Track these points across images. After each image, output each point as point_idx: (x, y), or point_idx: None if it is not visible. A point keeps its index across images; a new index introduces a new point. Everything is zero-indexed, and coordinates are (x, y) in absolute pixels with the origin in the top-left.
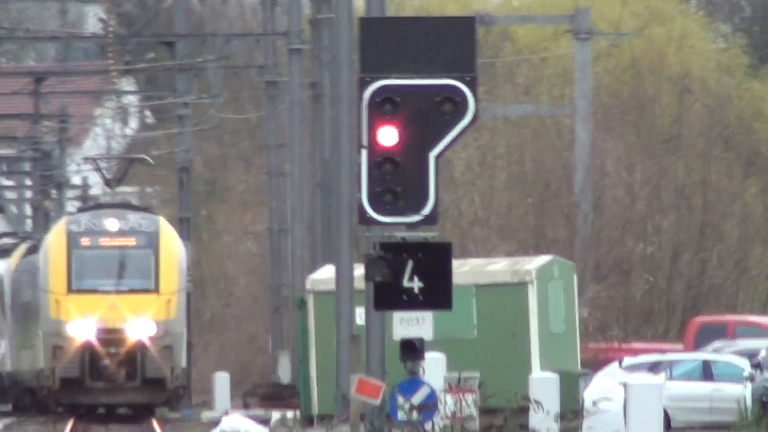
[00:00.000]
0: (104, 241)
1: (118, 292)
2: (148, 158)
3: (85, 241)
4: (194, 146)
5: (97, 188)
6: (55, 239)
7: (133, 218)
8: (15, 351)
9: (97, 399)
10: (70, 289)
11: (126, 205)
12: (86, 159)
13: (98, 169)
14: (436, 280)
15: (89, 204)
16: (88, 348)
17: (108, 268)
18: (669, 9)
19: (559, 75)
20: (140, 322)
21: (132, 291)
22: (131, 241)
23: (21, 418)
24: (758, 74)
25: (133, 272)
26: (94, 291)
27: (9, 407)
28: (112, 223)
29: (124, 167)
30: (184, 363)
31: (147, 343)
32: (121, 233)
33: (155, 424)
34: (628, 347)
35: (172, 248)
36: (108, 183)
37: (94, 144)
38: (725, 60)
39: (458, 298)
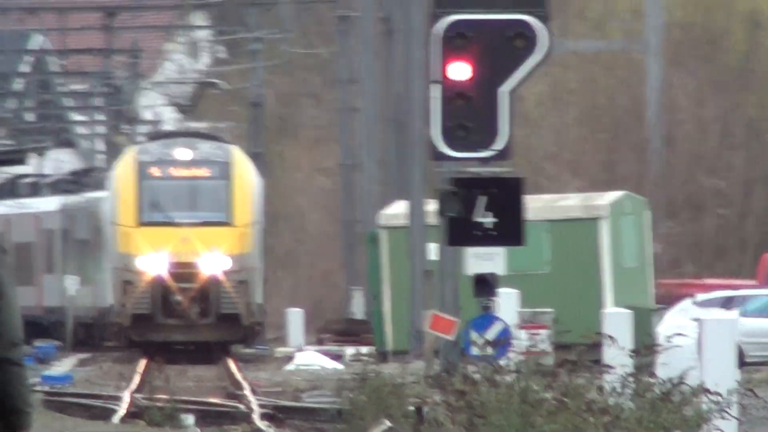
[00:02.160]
0: (175, 171)
1: (191, 224)
2: (219, 82)
3: (155, 171)
4: (265, 82)
5: (169, 124)
6: (123, 170)
7: (206, 147)
8: (84, 287)
9: (170, 336)
10: (139, 222)
11: (198, 134)
12: (155, 84)
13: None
14: (508, 215)
15: (159, 133)
16: (159, 283)
17: (179, 199)
18: None
19: (630, 10)
20: (214, 256)
21: (205, 223)
22: (204, 172)
23: (96, 354)
24: None
25: (205, 204)
26: (165, 223)
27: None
28: (183, 153)
29: (196, 93)
30: (260, 298)
31: (221, 277)
32: (193, 163)
33: (231, 362)
34: (700, 283)
35: (246, 179)
36: (180, 108)
37: (164, 84)
38: None
39: (531, 233)
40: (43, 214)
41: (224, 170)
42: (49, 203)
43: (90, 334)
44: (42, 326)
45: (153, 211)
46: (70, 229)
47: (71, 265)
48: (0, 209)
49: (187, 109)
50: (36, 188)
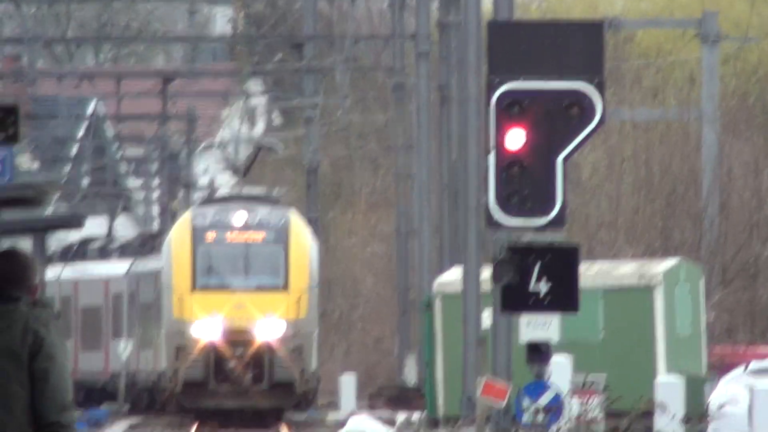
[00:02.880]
0: (231, 236)
1: (246, 289)
2: (276, 142)
3: (210, 235)
4: (321, 148)
5: (224, 189)
6: (179, 233)
7: (262, 211)
8: (135, 351)
9: (222, 403)
10: (194, 287)
11: (254, 198)
12: (210, 146)
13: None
14: (562, 282)
15: (215, 196)
16: (212, 349)
17: (235, 264)
18: None
19: (686, 78)
20: (269, 322)
21: (260, 289)
22: (260, 236)
23: (148, 417)
24: None
25: (261, 268)
26: (219, 289)
27: (126, 407)
28: (239, 217)
29: (252, 156)
30: (314, 365)
31: (275, 344)
32: (249, 227)
33: (284, 428)
34: (754, 351)
35: (303, 243)
36: (236, 170)
37: (221, 146)
38: None
39: (585, 301)
40: (111, 278)
41: (280, 234)
42: (116, 267)
43: (150, 399)
44: (107, 391)
45: (208, 277)
46: (136, 294)
47: (136, 330)
48: (69, 273)
49: (242, 172)
50: (104, 252)
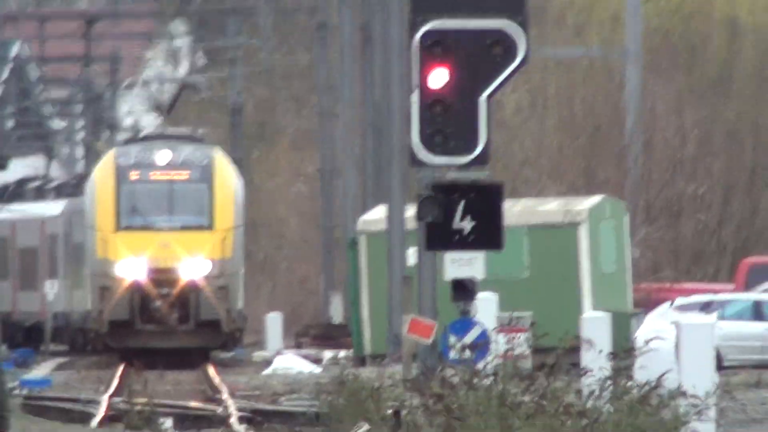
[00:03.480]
0: (155, 175)
1: (170, 229)
2: (201, 80)
3: (134, 174)
4: (245, 89)
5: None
6: (102, 173)
7: (186, 150)
8: (67, 292)
9: (148, 342)
10: (118, 227)
11: (178, 136)
12: (134, 85)
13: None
14: (487, 220)
15: (139, 135)
16: (137, 289)
17: (159, 203)
18: None
19: (609, 17)
20: (194, 261)
21: (185, 228)
22: (184, 174)
23: (74, 358)
24: None
25: (186, 208)
26: (144, 228)
27: (66, 347)
28: (163, 155)
29: (176, 94)
30: (240, 304)
31: (201, 283)
32: (173, 166)
33: (211, 369)
34: (679, 288)
35: (228, 182)
36: (160, 109)
37: (145, 85)
38: None
39: (509, 238)
40: (47, 219)
41: (205, 173)
42: (52, 208)
43: (75, 339)
44: (42, 331)
45: (132, 216)
46: (70, 234)
47: (69, 270)
48: (6, 214)
49: (166, 111)
50: (41, 192)
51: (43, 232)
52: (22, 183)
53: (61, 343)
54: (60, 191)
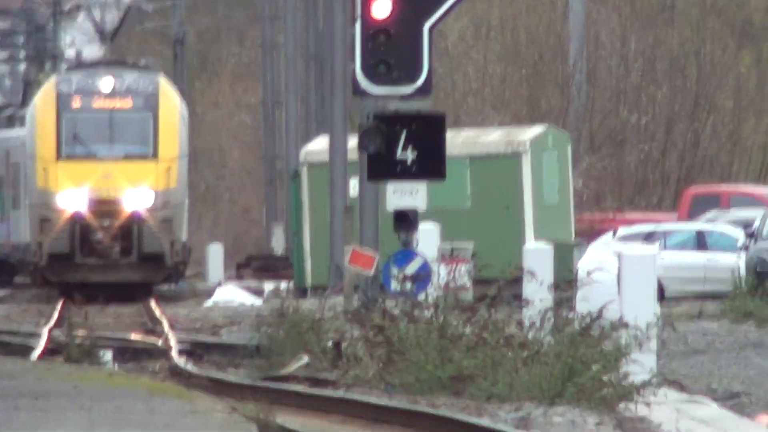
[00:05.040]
0: (97, 102)
1: (113, 158)
2: (144, 2)
3: (75, 102)
4: (187, 19)
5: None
6: (42, 101)
7: (130, 77)
8: (6, 224)
9: (89, 276)
10: (59, 156)
11: (122, 62)
12: (74, 7)
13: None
14: (429, 150)
15: (81, 62)
16: (78, 220)
17: (101, 132)
18: None
19: None
20: (137, 192)
21: (128, 157)
22: (128, 102)
23: (15, 291)
24: None
25: (129, 137)
26: (85, 157)
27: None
28: (106, 83)
29: (120, 18)
30: (184, 236)
31: (144, 214)
32: (117, 93)
33: (154, 304)
34: (622, 217)
35: (173, 110)
36: (104, 36)
37: (88, 16)
38: None
39: (452, 169)
40: (11, 147)
41: (149, 101)
42: (17, 135)
43: (6, 272)
44: (9, 263)
45: (73, 145)
46: (6, 163)
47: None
48: None
49: (109, 38)
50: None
51: (7, 160)
52: None
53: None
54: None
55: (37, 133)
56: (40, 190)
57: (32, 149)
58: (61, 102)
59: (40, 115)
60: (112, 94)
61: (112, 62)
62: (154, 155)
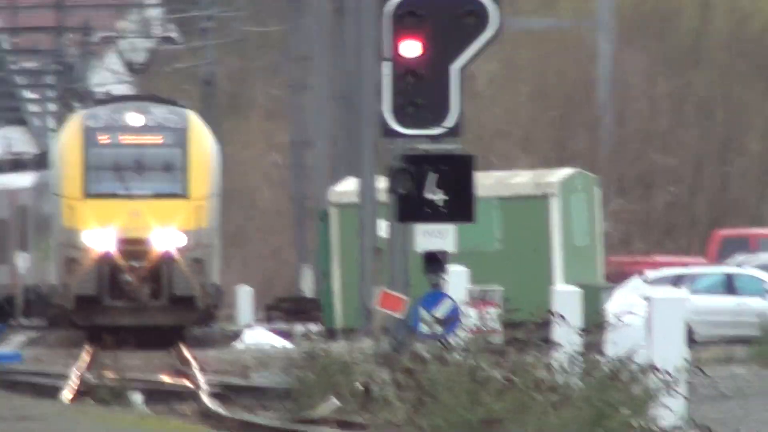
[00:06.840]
0: (125, 138)
1: (142, 196)
2: (174, 36)
3: (103, 138)
4: (217, 60)
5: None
6: (69, 136)
7: (159, 112)
8: (37, 264)
9: (118, 320)
10: (86, 194)
11: (151, 98)
12: (106, 38)
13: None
14: (458, 192)
15: (109, 97)
16: (106, 261)
17: (130, 168)
18: None
19: None
20: (167, 232)
21: (158, 196)
22: (157, 138)
23: (45, 332)
24: None
25: (159, 174)
26: (113, 195)
27: (39, 322)
28: (134, 118)
29: (150, 56)
30: (216, 278)
31: (175, 255)
32: (146, 129)
33: (184, 349)
34: (650, 261)
35: (204, 147)
36: (133, 69)
37: (117, 54)
38: None
39: (481, 210)
40: (19, 191)
41: (179, 137)
42: (24, 180)
43: (44, 314)
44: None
45: (100, 182)
46: (39, 206)
47: (37, 242)
48: None
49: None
50: (15, 165)
51: (13, 203)
52: None
53: (34, 317)
54: (32, 163)
55: (63, 170)
56: (67, 229)
57: (58, 187)
58: (88, 137)
59: (66, 151)
60: (141, 130)
61: (141, 97)
62: (185, 193)
